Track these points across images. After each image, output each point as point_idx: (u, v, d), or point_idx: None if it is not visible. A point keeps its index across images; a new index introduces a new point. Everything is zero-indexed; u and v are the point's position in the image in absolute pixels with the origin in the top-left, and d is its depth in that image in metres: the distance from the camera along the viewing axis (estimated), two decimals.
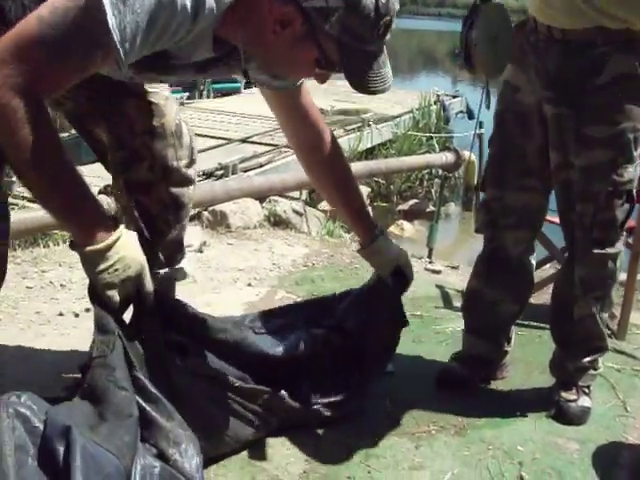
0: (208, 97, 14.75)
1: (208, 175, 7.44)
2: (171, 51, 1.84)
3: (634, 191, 2.63)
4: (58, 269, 3.96)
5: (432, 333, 3.50)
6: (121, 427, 1.78)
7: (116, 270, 1.85)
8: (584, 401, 2.82)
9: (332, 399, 2.50)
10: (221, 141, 9.32)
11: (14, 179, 3.72)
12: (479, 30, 2.59)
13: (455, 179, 10.20)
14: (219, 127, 10.53)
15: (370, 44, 1.82)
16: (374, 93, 1.89)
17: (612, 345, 3.43)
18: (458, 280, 4.36)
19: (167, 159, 2.45)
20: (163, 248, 2.55)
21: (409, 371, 2.99)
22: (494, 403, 2.84)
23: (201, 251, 4.56)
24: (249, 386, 2.31)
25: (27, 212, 4.23)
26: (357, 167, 6.66)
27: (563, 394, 2.83)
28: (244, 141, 9.63)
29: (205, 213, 5.35)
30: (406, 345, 3.28)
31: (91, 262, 1.86)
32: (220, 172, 7.55)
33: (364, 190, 9.08)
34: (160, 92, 2.44)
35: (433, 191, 10.44)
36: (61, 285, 3.74)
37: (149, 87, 2.40)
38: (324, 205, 8.17)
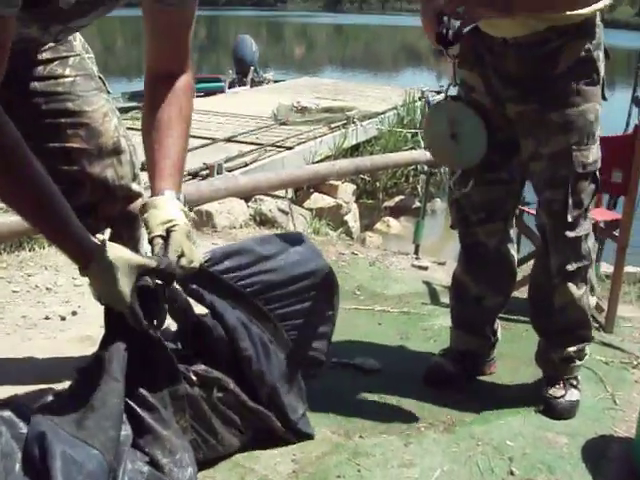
0: None
1: (193, 175, 7.43)
2: None
3: (597, 172, 2.67)
4: (44, 272, 3.94)
5: (419, 330, 3.50)
6: (107, 420, 1.79)
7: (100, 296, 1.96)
8: (572, 395, 2.81)
9: None
10: (205, 141, 9.31)
11: None
12: (437, 126, 2.69)
13: (441, 175, 10.17)
14: (203, 127, 10.50)
15: None
16: None
17: (600, 338, 3.45)
18: (445, 276, 4.35)
19: (107, 180, 2.40)
20: None
21: (396, 368, 2.99)
22: (482, 399, 2.83)
23: None
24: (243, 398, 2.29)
25: (11, 215, 4.20)
26: (342, 164, 6.64)
27: (550, 390, 2.82)
28: (229, 140, 9.62)
29: (190, 214, 5.33)
30: (393, 342, 3.29)
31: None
32: (205, 172, 7.55)
33: (349, 187, 9.11)
34: (99, 108, 2.38)
35: (419, 187, 10.42)
36: (47, 288, 3.72)
37: (87, 106, 2.35)
38: (309, 203, 8.19)
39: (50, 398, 1.93)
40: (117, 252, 1.91)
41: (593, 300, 2.95)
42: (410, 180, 10.86)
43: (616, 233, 3.88)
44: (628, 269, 5.11)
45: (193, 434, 2.12)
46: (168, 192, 2.07)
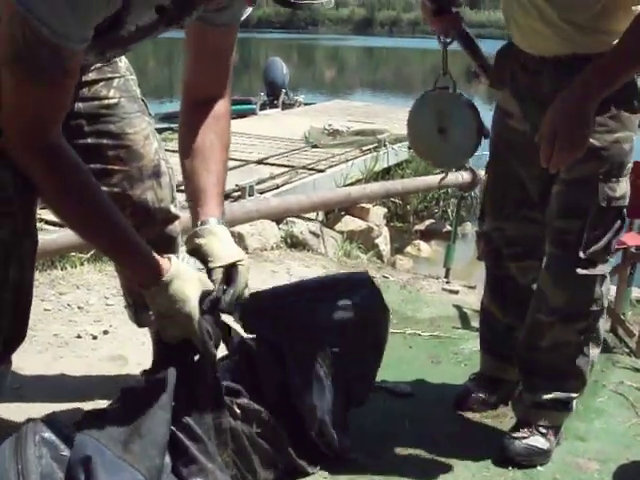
0: None
1: (225, 196, 7.44)
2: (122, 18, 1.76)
3: (624, 210, 2.44)
4: (76, 291, 3.96)
5: (450, 354, 3.49)
6: (154, 448, 1.77)
7: (162, 317, 1.94)
8: (535, 441, 2.57)
9: None
10: (237, 162, 9.34)
11: None
12: (422, 120, 2.54)
13: (471, 199, 10.15)
14: (235, 149, 10.52)
15: None
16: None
17: (631, 363, 3.43)
18: (476, 300, 4.33)
19: (148, 203, 2.41)
20: None
21: (427, 392, 2.98)
22: (513, 423, 2.81)
23: None
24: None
25: (44, 234, 4.24)
26: (373, 187, 6.67)
27: (512, 430, 2.64)
28: (260, 162, 9.64)
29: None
30: (424, 366, 3.28)
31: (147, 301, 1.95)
32: (237, 193, 7.57)
33: (380, 211, 9.09)
34: (141, 130, 2.40)
35: (450, 211, 10.39)
36: (79, 307, 3.74)
37: (129, 128, 2.37)
38: (341, 226, 8.17)
39: (90, 417, 1.91)
40: (189, 271, 1.94)
41: (596, 352, 2.60)
42: (441, 204, 10.82)
43: None
44: None
45: (234, 469, 2.09)
46: (219, 221, 2.08)
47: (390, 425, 2.69)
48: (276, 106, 16.37)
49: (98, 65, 2.30)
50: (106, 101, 2.34)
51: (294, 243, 5.76)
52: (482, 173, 8.65)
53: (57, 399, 2.68)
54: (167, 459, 1.87)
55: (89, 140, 2.31)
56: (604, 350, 2.95)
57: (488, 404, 2.89)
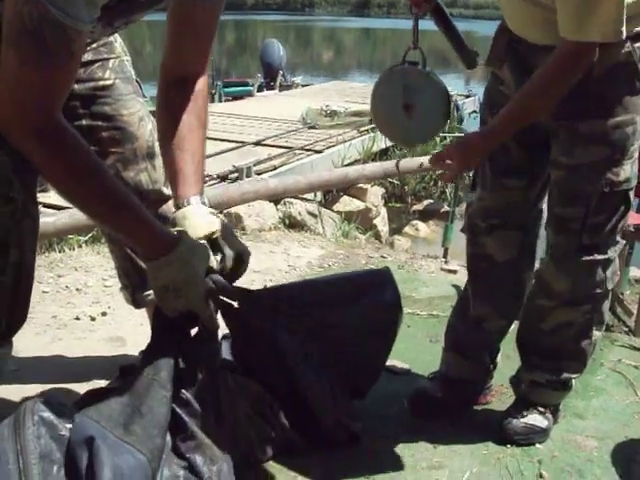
0: (220, 101, 14.79)
1: (222, 178, 7.46)
2: None
3: (631, 193, 2.33)
4: (74, 273, 3.97)
5: None
6: (154, 428, 1.77)
7: (166, 289, 1.89)
8: (533, 419, 2.55)
9: None
10: (235, 144, 9.34)
11: None
12: (387, 94, 2.41)
13: (469, 179, 10.16)
14: (232, 130, 10.54)
15: None
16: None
17: (629, 342, 3.43)
18: None
19: (142, 184, 2.41)
20: None
21: (425, 370, 2.98)
22: (507, 404, 2.81)
23: None
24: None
25: (42, 217, 4.23)
26: (371, 168, 6.65)
27: (510, 408, 2.62)
28: (258, 144, 9.65)
29: (220, 216, 5.34)
30: (422, 344, 3.28)
31: (150, 275, 1.91)
32: (234, 175, 7.58)
33: (378, 191, 9.09)
34: (135, 112, 2.38)
35: (447, 191, 10.40)
36: (77, 289, 3.75)
37: (124, 110, 2.35)
38: (339, 207, 8.18)
39: (89, 397, 1.90)
40: (196, 243, 1.93)
41: (599, 334, 2.54)
42: (439, 184, 10.83)
43: None
44: None
45: (232, 445, 2.07)
46: (196, 198, 2.06)
47: (388, 403, 2.69)
48: (273, 88, 16.38)
49: (94, 45, 2.28)
50: (101, 82, 2.32)
51: (292, 224, 5.77)
52: None
53: (56, 381, 2.69)
54: (168, 437, 1.87)
55: (83, 122, 2.29)
56: None
57: (444, 406, 2.71)
